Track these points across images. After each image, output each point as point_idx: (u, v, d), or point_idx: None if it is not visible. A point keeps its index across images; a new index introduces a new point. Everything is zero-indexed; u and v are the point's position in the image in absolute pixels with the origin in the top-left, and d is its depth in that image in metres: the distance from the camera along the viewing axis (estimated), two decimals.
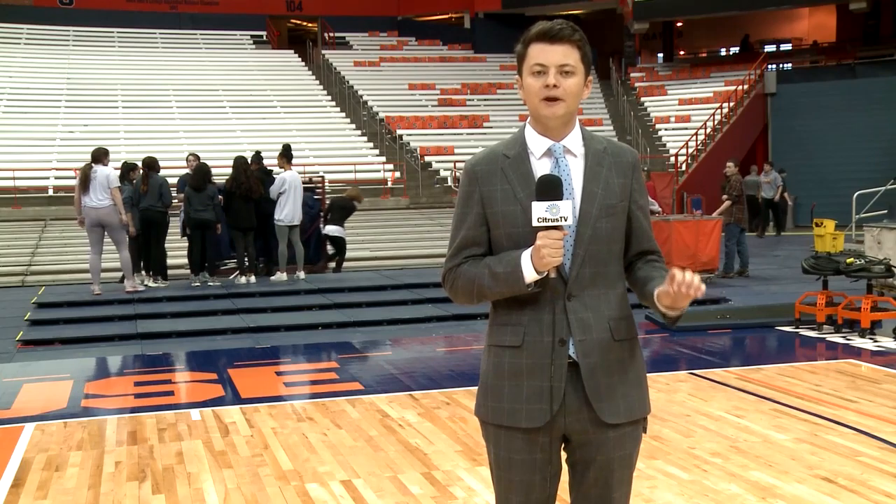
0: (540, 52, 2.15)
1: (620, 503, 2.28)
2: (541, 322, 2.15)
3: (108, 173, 10.36)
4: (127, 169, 11.60)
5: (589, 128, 2.28)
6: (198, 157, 11.70)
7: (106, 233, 10.44)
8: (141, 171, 11.14)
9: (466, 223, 2.22)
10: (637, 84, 27.57)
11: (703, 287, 2.06)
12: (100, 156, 10.50)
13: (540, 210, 2.05)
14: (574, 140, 2.21)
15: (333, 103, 24.93)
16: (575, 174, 2.18)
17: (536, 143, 2.20)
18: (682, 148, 22.42)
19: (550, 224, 2.05)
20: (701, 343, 8.14)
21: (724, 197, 12.45)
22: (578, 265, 2.15)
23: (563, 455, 2.30)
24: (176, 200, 11.68)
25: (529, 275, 2.09)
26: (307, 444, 5.12)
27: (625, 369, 2.21)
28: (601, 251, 2.17)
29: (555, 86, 2.12)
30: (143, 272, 11.42)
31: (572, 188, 2.17)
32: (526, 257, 2.10)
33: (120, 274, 11.33)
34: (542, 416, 2.16)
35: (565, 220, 2.06)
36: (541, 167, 2.17)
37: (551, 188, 2.07)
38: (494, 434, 2.25)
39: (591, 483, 2.24)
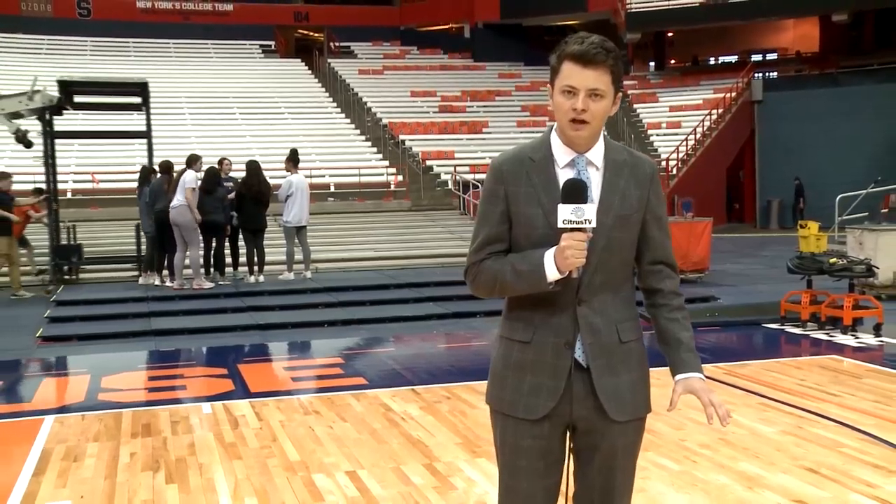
0: (572, 74, 2.12)
1: (623, 492, 2.30)
2: (551, 323, 2.20)
3: (186, 177, 10.58)
4: (146, 172, 11.85)
5: None
6: (227, 161, 11.97)
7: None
8: (159, 175, 11.39)
9: (491, 220, 2.23)
10: (630, 91, 27.73)
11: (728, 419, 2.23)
12: (190, 161, 10.79)
13: (566, 212, 2.08)
14: (597, 153, 2.22)
15: (339, 110, 25.15)
16: (595, 185, 2.20)
17: (561, 152, 2.21)
18: (673, 153, 22.67)
19: (575, 226, 2.09)
20: None
21: None
22: (591, 273, 2.17)
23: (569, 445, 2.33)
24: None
25: (552, 274, 2.12)
26: (313, 436, 5.20)
27: (631, 370, 2.24)
28: (612, 260, 2.20)
29: (583, 110, 2.12)
30: (156, 272, 11.62)
31: (592, 198, 2.19)
32: (549, 257, 2.12)
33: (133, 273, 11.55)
34: (539, 410, 2.21)
35: (590, 223, 2.08)
36: (564, 176, 2.18)
37: (576, 191, 2.10)
38: (502, 420, 2.28)
39: (596, 471, 2.27)
